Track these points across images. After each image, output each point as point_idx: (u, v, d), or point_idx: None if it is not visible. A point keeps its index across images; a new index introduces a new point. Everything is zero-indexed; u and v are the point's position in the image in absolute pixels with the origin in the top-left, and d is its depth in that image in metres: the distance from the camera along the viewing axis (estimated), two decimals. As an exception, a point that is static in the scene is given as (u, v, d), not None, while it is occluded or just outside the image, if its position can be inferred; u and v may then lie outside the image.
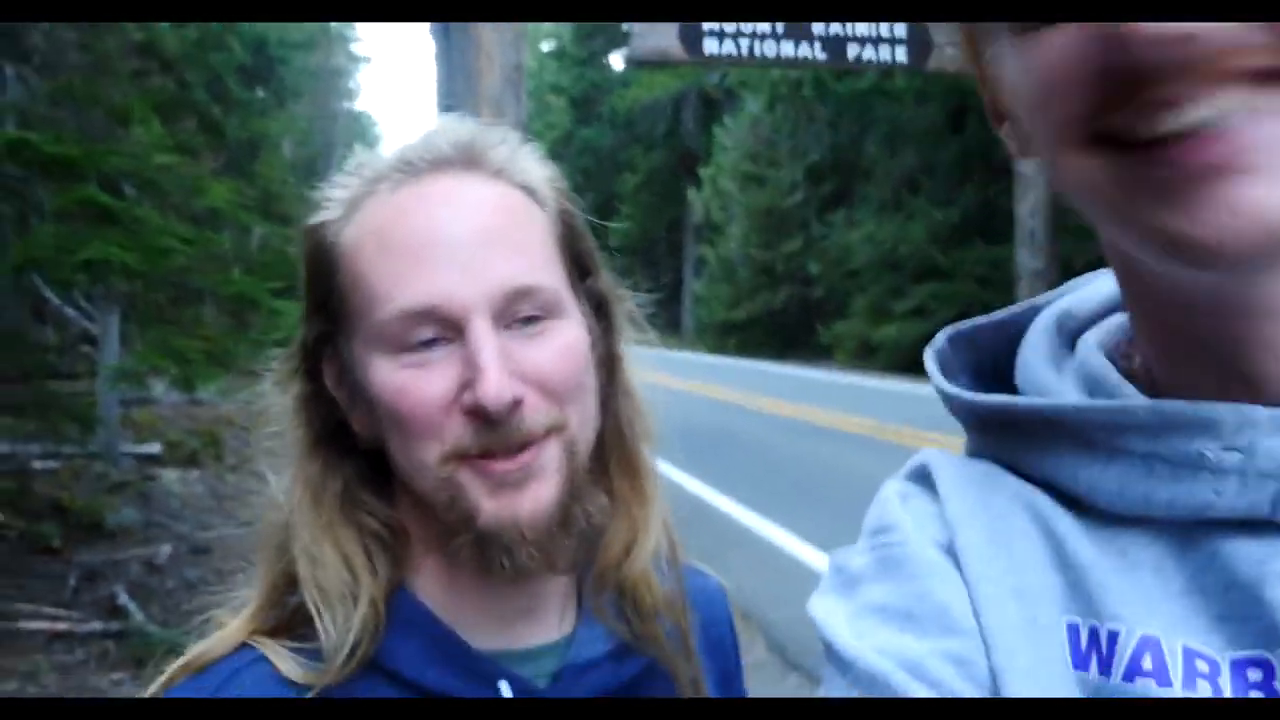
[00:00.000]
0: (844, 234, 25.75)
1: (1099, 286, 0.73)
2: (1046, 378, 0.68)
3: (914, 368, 21.54)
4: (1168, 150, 0.52)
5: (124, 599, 5.83)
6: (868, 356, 23.28)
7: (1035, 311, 0.74)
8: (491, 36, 7.56)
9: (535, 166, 0.91)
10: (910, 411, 13.36)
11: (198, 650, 0.88)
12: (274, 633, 0.87)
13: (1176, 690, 0.56)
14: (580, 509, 0.86)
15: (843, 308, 25.87)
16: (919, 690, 0.58)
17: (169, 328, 5.57)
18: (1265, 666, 0.56)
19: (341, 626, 0.84)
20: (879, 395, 16.47)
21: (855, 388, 18.22)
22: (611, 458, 0.96)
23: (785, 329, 30.39)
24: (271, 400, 0.94)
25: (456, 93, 7.81)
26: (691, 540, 1.09)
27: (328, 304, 0.88)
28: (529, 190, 0.89)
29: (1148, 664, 0.57)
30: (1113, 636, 0.59)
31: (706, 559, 1.13)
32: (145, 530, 7.39)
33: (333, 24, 40.72)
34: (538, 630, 0.93)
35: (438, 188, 0.85)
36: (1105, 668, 0.58)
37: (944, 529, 0.66)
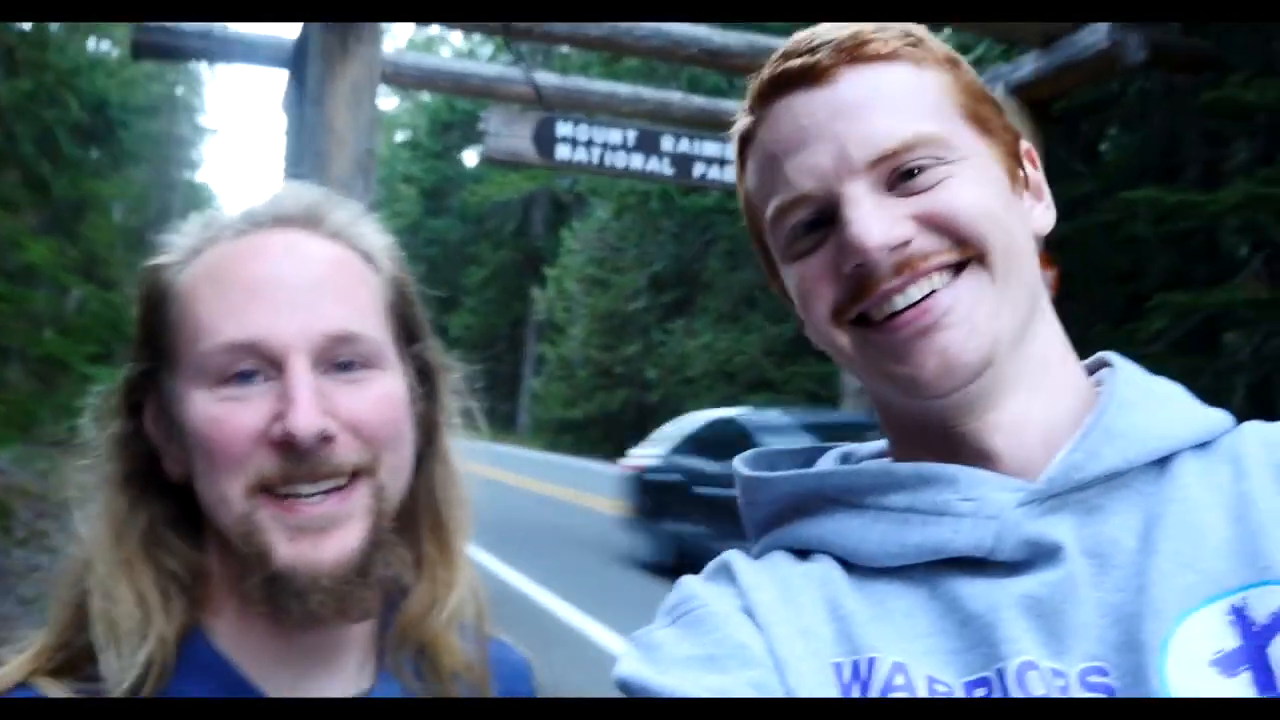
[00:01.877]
0: (682, 342, 26.34)
1: (871, 444, 0.95)
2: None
3: (742, 477, 21.92)
4: (893, 322, 0.77)
5: (-120, 681, 5.27)
6: (699, 463, 23.64)
7: (820, 451, 0.94)
8: (345, 120, 7.56)
9: (373, 234, 0.96)
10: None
11: None
12: (59, 672, 0.85)
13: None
14: (380, 558, 0.88)
15: (677, 413, 26.27)
16: None
17: (-33, 386, 5.21)
18: (987, 683, 0.71)
19: (126, 663, 0.83)
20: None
21: (685, 493, 18.41)
22: (422, 519, 0.98)
23: (620, 431, 30.57)
24: (88, 435, 0.94)
25: (304, 173, 7.72)
26: (514, 635, 1.11)
27: (156, 341, 0.90)
28: (364, 254, 0.94)
29: (899, 681, 0.72)
30: (870, 662, 0.73)
31: (529, 655, 1.13)
32: (-86, 606, 6.74)
33: (179, 92, 39.61)
34: (334, 684, 0.93)
35: (276, 239, 0.90)
36: (864, 690, 0.73)
37: (739, 596, 0.79)
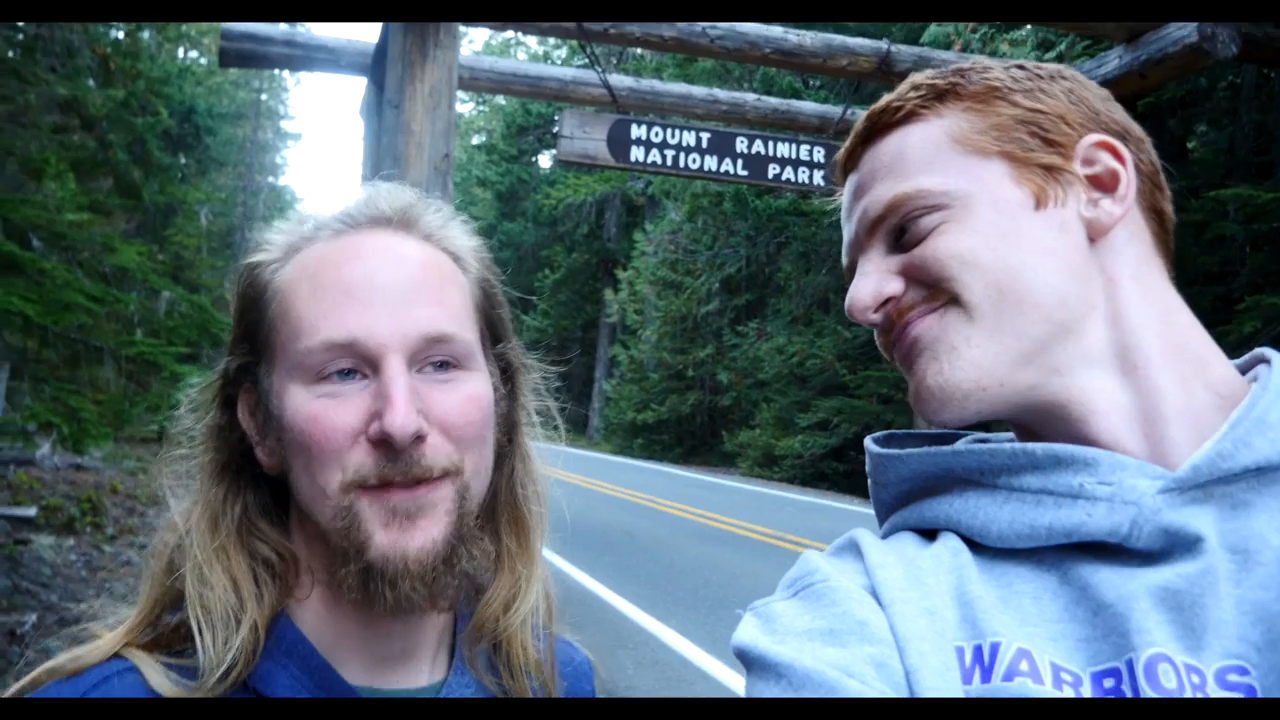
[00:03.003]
0: (755, 345, 26.25)
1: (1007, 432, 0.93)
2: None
3: (815, 480, 21.82)
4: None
5: (-20, 667, 5.50)
6: (770, 466, 23.53)
7: (956, 435, 0.93)
8: (423, 124, 7.68)
9: (463, 236, 0.99)
10: (810, 523, 13.51)
11: (68, 655, 0.88)
12: (150, 647, 0.89)
13: (1047, 688, 0.69)
14: (465, 550, 0.90)
15: (749, 417, 26.21)
16: (851, 684, 0.69)
17: (63, 385, 5.41)
18: (1116, 674, 0.69)
19: (220, 647, 0.86)
20: (780, 505, 16.61)
21: (757, 496, 18.36)
22: (502, 515, 1.00)
23: (692, 434, 30.60)
24: (184, 425, 0.98)
25: (382, 178, 7.84)
26: (585, 636, 1.12)
27: (254, 336, 0.93)
28: (455, 256, 0.97)
29: (1024, 667, 0.71)
30: (994, 647, 0.72)
31: (598, 656, 1.14)
32: (11, 597, 7.02)
33: (263, 99, 40.67)
34: (410, 675, 0.96)
35: (372, 240, 0.92)
36: (986, 675, 0.72)
37: (864, 575, 0.80)
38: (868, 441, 0.93)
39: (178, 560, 0.92)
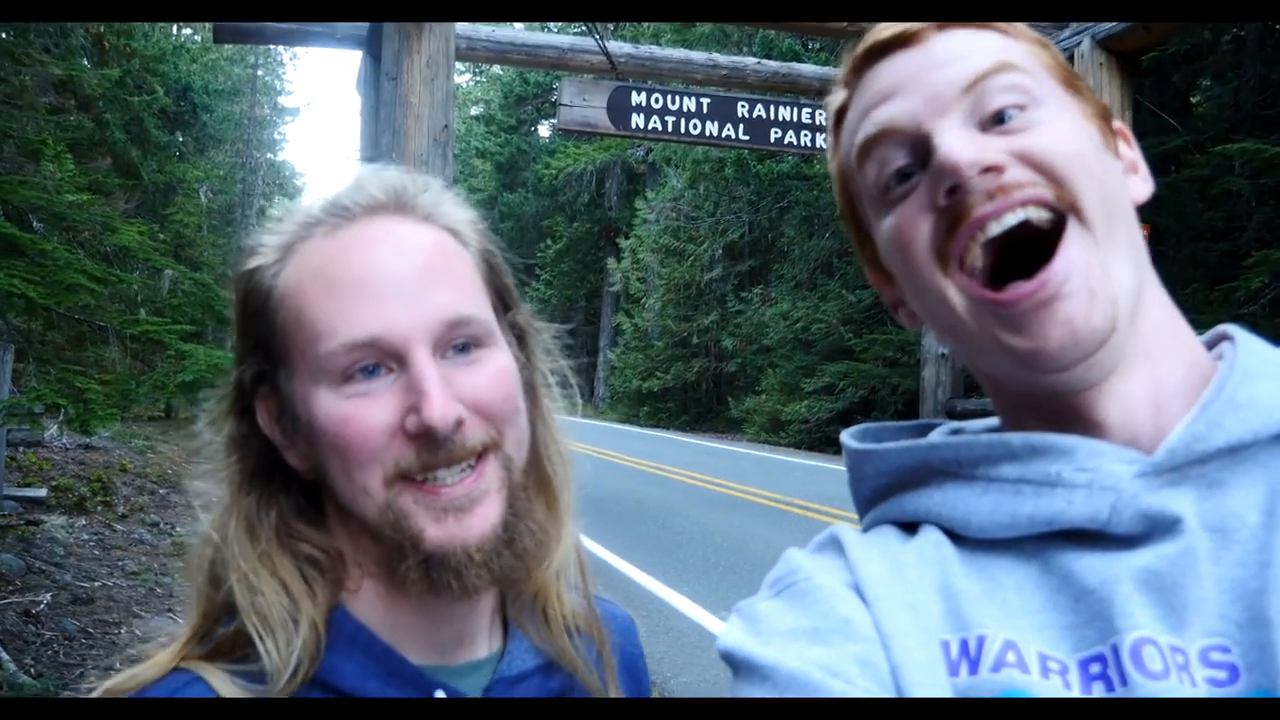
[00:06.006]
0: (759, 311, 26.20)
1: (982, 420, 0.92)
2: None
3: (822, 445, 21.85)
4: (1009, 293, 0.74)
5: (-3, 648, 5.55)
6: (777, 432, 23.56)
7: (930, 425, 0.91)
8: (421, 96, 7.62)
9: (458, 211, 0.99)
10: (817, 487, 13.54)
11: (126, 675, 0.88)
12: (209, 657, 0.89)
13: (1034, 677, 0.69)
14: (523, 525, 0.92)
15: (754, 383, 26.22)
16: (835, 684, 0.69)
17: (68, 366, 5.41)
18: (1102, 659, 0.69)
19: (284, 649, 0.86)
20: (787, 470, 16.65)
21: (764, 462, 18.40)
22: (529, 477, 1.00)
23: (697, 401, 30.63)
24: (205, 439, 0.98)
25: (383, 151, 7.83)
26: None
27: (267, 344, 0.93)
28: (454, 232, 0.96)
29: (1011, 658, 0.71)
30: (980, 639, 0.72)
31: None
32: (25, 577, 7.06)
33: (260, 74, 40.45)
34: (470, 650, 0.98)
35: (373, 230, 0.91)
36: (974, 668, 0.71)
37: (847, 571, 0.79)
38: (844, 437, 0.92)
39: (220, 572, 0.92)
